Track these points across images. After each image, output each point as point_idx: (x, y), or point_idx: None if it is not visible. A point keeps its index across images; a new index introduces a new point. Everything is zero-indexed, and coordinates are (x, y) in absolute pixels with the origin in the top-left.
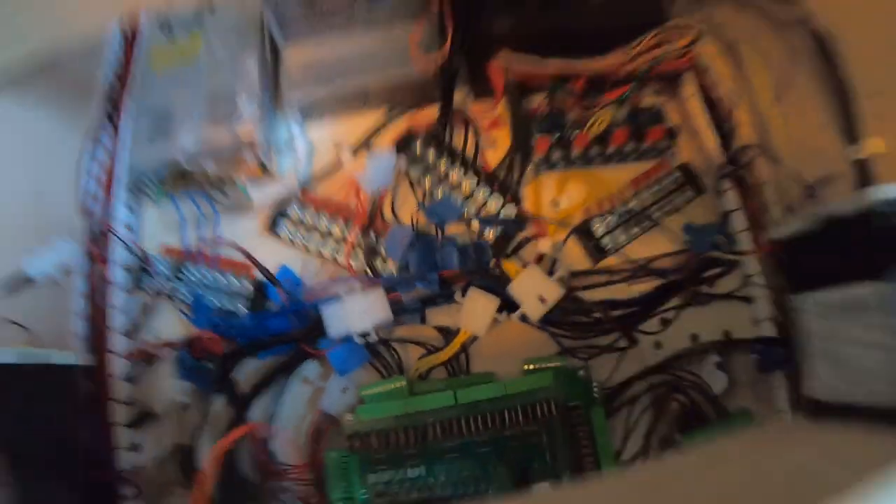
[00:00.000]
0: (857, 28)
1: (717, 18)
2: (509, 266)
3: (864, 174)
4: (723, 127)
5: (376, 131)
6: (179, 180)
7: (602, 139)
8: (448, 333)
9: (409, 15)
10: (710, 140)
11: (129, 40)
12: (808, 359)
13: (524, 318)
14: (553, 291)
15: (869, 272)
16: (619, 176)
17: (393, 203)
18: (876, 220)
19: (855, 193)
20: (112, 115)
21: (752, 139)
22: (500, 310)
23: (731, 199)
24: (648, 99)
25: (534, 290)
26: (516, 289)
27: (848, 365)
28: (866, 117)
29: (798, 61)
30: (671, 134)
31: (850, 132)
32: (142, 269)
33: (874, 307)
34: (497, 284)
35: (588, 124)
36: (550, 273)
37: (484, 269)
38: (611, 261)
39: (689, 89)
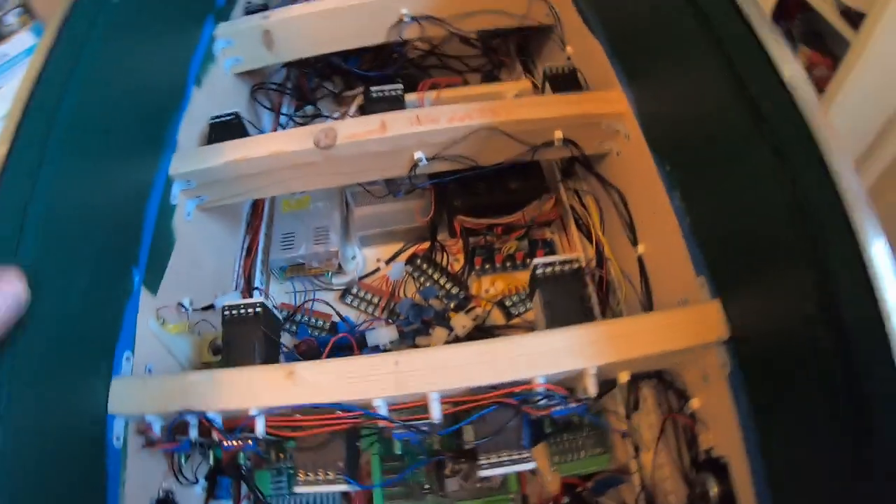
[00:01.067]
0: (634, 191)
1: (585, 185)
2: (452, 315)
3: (641, 262)
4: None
5: (398, 253)
6: (296, 270)
7: (511, 257)
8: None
9: (415, 197)
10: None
11: None
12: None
13: (457, 336)
14: (468, 323)
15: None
16: (523, 276)
17: (404, 288)
18: (534, 270)
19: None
20: (254, 234)
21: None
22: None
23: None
24: (547, 234)
25: (460, 322)
26: (453, 322)
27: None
28: (640, 234)
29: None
30: (553, 252)
31: (635, 241)
32: None
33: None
34: (447, 324)
35: (503, 249)
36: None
37: (444, 318)
38: (517, 320)
39: (571, 224)
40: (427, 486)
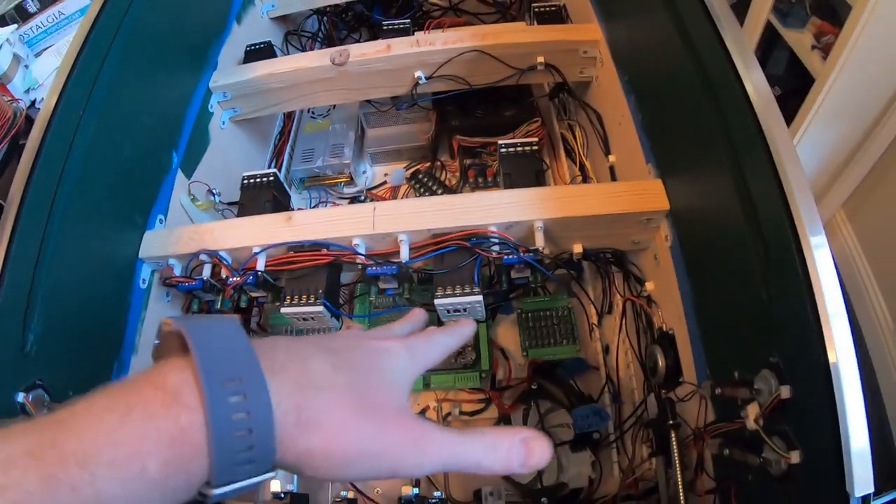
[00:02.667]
0: (608, 111)
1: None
2: None
3: (612, 170)
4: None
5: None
6: (313, 181)
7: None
8: None
9: (420, 121)
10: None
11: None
12: None
13: None
14: None
15: None
16: None
17: (404, 196)
18: (499, 149)
19: None
20: (280, 147)
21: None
22: None
23: None
24: None
25: None
26: None
27: None
28: (611, 146)
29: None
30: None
31: (608, 152)
32: None
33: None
34: None
35: (494, 166)
36: None
37: None
38: None
39: (560, 150)
40: None
